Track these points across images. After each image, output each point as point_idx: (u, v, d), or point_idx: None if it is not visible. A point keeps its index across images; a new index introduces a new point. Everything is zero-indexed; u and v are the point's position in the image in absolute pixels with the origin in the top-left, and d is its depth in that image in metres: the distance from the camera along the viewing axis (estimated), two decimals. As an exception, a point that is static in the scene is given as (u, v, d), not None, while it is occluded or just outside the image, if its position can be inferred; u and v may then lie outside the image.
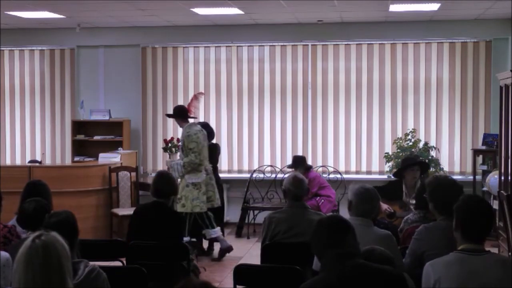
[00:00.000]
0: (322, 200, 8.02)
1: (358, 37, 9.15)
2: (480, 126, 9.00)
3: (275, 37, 9.34)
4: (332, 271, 2.79)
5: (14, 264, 2.44)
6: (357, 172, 9.25)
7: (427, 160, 8.42)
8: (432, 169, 8.39)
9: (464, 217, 3.19)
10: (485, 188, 8.07)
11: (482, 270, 3.05)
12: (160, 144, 9.27)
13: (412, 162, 6.64)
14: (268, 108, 9.44)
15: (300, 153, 9.28)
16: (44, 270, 2.39)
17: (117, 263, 4.68)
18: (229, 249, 7.32)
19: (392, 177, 7.27)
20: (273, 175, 9.10)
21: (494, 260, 3.12)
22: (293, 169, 8.06)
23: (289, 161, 9.27)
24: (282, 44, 9.39)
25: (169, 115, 7.74)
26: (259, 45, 9.45)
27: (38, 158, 9.55)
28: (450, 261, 3.11)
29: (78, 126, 9.52)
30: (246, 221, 8.67)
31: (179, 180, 7.07)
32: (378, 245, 3.31)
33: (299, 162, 8.17)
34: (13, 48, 9.94)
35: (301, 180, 4.78)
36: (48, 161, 9.67)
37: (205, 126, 7.74)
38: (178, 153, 7.49)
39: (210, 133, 7.75)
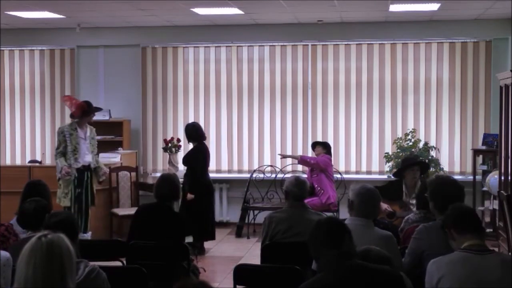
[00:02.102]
0: (322, 191, 8.07)
1: (358, 37, 9.15)
2: (480, 126, 8.99)
3: (275, 37, 9.34)
4: (330, 271, 2.81)
5: (18, 260, 2.45)
6: (357, 172, 9.25)
7: (427, 160, 8.43)
8: (432, 169, 8.40)
9: (454, 213, 3.31)
10: (485, 188, 8.07)
11: (485, 269, 3.06)
12: (160, 144, 9.27)
13: (412, 162, 6.65)
14: (268, 108, 9.44)
15: (300, 153, 9.28)
16: (46, 267, 2.41)
17: (117, 263, 4.68)
18: None
19: (392, 177, 7.29)
20: (273, 175, 9.10)
21: (497, 260, 3.13)
22: (315, 147, 8.41)
23: (289, 161, 9.29)
24: (282, 44, 9.39)
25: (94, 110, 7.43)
26: (259, 45, 9.45)
27: (38, 158, 9.55)
28: (454, 260, 3.13)
29: (78, 126, 9.50)
30: (246, 221, 8.67)
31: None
32: (379, 246, 3.32)
33: (324, 143, 8.47)
34: (13, 48, 9.94)
35: (303, 182, 4.83)
36: (48, 161, 9.65)
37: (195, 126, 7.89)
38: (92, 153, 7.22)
39: (199, 134, 7.80)
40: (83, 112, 7.12)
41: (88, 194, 7.12)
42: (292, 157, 8.72)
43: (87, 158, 7.12)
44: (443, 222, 3.36)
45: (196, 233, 7.49)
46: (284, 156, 8.78)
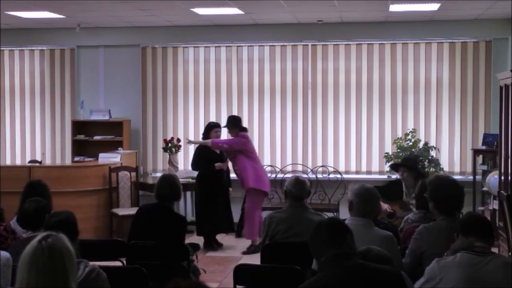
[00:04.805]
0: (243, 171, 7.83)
1: (358, 37, 9.15)
2: (480, 126, 8.99)
3: (275, 37, 9.34)
4: (330, 271, 2.81)
5: (18, 262, 2.44)
6: (357, 172, 9.25)
7: (427, 160, 8.45)
8: (432, 169, 8.41)
9: (462, 218, 3.37)
10: (485, 188, 8.07)
11: (487, 271, 3.07)
12: (160, 144, 9.27)
13: (405, 163, 6.67)
14: (268, 108, 9.44)
15: (300, 153, 9.30)
16: (48, 273, 2.39)
17: (117, 263, 4.68)
18: None
19: (390, 169, 7.53)
20: (273, 175, 9.09)
21: (499, 262, 3.13)
22: (228, 129, 7.89)
23: (289, 161, 9.30)
24: (282, 44, 9.39)
25: None
26: (259, 45, 9.45)
27: (38, 158, 9.55)
28: (456, 260, 3.14)
29: (78, 126, 9.52)
30: (246, 221, 8.66)
31: None
32: (379, 246, 3.32)
33: (232, 122, 7.94)
34: (13, 48, 9.94)
35: (302, 182, 4.83)
36: (48, 161, 9.66)
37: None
38: None
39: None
40: None
41: None
42: (202, 142, 7.92)
43: None
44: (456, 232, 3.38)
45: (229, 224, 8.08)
46: (190, 142, 8.25)
